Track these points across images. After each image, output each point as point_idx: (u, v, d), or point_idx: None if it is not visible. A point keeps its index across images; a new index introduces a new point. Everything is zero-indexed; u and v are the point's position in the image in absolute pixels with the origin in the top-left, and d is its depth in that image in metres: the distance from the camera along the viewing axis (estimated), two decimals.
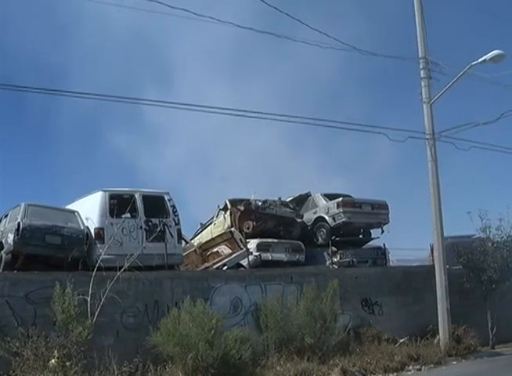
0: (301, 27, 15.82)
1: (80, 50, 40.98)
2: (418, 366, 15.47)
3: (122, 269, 12.68)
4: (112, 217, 14.30)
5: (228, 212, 19.64)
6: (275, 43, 15.85)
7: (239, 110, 15.40)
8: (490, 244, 19.23)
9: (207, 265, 17.51)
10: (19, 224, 12.82)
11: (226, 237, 18.38)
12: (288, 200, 20.48)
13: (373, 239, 21.24)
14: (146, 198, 15.13)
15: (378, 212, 20.16)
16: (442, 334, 17.24)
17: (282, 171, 41.45)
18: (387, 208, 20.38)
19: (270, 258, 17.87)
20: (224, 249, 18.05)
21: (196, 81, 44.54)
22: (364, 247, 20.99)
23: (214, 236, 19.19)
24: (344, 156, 45.65)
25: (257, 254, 17.56)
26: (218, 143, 45.64)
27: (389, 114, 40.73)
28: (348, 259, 19.01)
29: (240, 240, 17.85)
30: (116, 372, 11.92)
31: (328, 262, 18.65)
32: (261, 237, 18.28)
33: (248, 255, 17.12)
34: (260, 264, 17.38)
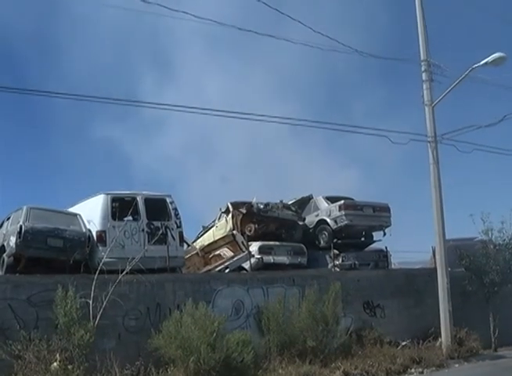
0: (301, 25, 15.87)
1: (77, 28, 40.98)
2: (420, 369, 15.45)
3: (124, 272, 12.72)
4: (114, 220, 14.29)
5: (230, 215, 19.63)
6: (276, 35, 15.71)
7: (239, 113, 15.41)
8: (492, 247, 19.22)
9: (209, 267, 17.53)
10: (21, 227, 12.82)
11: (228, 240, 18.38)
12: (290, 202, 20.47)
13: (374, 241, 21.22)
14: (147, 201, 15.14)
15: (380, 215, 20.13)
16: (444, 337, 17.22)
17: (283, 164, 41.29)
18: (389, 211, 20.35)
19: (272, 260, 17.84)
20: (226, 252, 18.06)
21: (194, 64, 44.35)
22: (366, 249, 20.97)
23: (216, 238, 19.18)
24: (348, 154, 45.57)
25: (259, 256, 17.51)
26: (218, 135, 45.40)
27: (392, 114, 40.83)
28: (350, 262, 19.01)
29: (242, 242, 17.85)
30: (118, 375, 11.93)
31: (330, 265, 18.65)
32: (263, 240, 18.26)
33: (250, 258, 17.09)
34: (262, 267, 17.35)
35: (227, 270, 16.82)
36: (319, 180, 40.72)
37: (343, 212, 19.41)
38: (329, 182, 41.68)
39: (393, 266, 21.30)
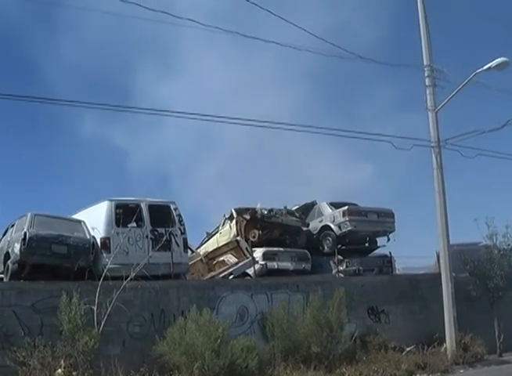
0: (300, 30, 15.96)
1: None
2: (425, 375, 15.43)
3: (128, 279, 12.72)
4: (118, 226, 14.34)
5: (234, 221, 19.63)
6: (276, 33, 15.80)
7: (241, 119, 15.46)
8: (496, 252, 19.17)
9: (213, 274, 17.52)
10: (25, 234, 12.85)
11: (232, 246, 18.39)
12: (294, 208, 20.47)
13: (378, 247, 21.18)
14: (151, 207, 15.17)
15: (384, 220, 20.10)
16: (449, 342, 17.17)
17: (291, 159, 40.90)
18: (393, 216, 20.34)
19: (276, 266, 17.84)
20: (230, 258, 18.07)
21: (194, 50, 44.17)
22: (370, 255, 20.94)
23: (220, 245, 19.19)
24: (351, 154, 45.27)
25: (263, 262, 17.52)
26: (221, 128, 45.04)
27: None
28: (354, 268, 18.97)
29: (246, 248, 17.87)
30: None
31: (334, 271, 18.62)
32: (267, 246, 18.26)
33: (254, 264, 17.11)
34: (266, 273, 17.35)
35: (231, 276, 16.82)
36: (327, 176, 40.45)
37: (347, 218, 19.39)
38: (340, 178, 41.31)
39: (397, 272, 21.28)
